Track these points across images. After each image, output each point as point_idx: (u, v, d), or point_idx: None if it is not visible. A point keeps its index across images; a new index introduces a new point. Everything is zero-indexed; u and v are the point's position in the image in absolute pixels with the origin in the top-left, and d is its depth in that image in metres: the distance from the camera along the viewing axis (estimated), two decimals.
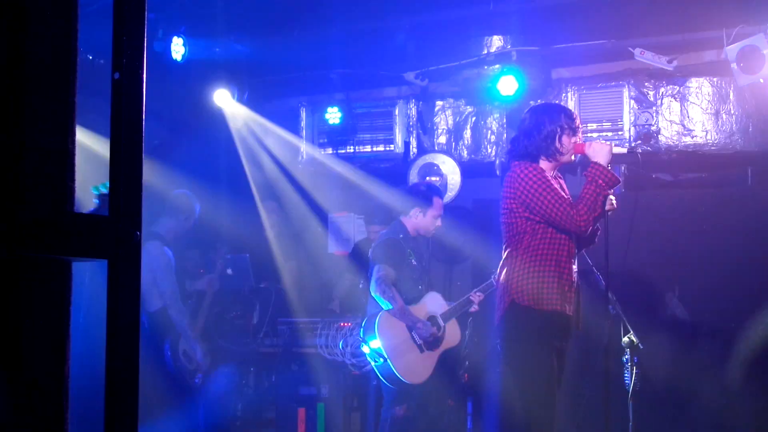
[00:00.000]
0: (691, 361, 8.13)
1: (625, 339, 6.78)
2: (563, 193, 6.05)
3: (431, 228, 8.21)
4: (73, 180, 2.07)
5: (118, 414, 1.97)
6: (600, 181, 5.91)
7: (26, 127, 2.00)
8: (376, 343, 7.73)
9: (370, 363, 7.92)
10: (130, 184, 2.00)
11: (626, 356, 6.70)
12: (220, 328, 9.88)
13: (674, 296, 8.49)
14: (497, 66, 10.04)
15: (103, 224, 1.97)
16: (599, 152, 5.98)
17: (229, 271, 9.79)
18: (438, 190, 8.44)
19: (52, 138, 2.04)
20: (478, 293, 8.10)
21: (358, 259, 9.51)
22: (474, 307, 8.10)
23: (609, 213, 6.06)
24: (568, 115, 6.23)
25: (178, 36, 9.52)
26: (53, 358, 2.00)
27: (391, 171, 10.84)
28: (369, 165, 10.98)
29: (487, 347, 8.71)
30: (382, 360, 7.71)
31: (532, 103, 9.84)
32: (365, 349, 7.85)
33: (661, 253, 8.48)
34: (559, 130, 6.08)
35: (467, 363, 8.87)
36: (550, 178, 6.04)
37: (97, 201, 5.05)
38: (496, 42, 10.17)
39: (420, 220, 8.13)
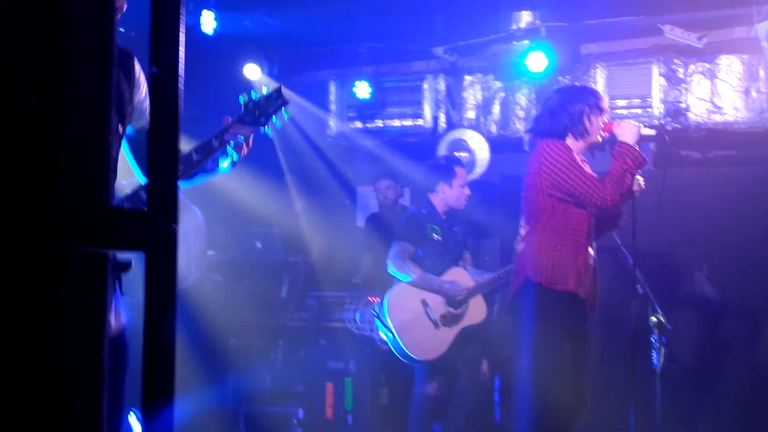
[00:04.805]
0: (719, 341, 8.13)
1: (653, 319, 6.80)
2: (588, 170, 6.04)
3: (462, 198, 8.22)
4: (110, 170, 2.10)
5: (155, 413, 2.00)
6: (627, 159, 5.89)
7: (64, 116, 2.02)
8: (385, 318, 7.79)
9: (383, 337, 7.98)
10: (168, 177, 2.03)
11: (654, 336, 6.71)
12: (248, 301, 9.93)
13: (702, 275, 8.48)
14: (526, 41, 10.01)
15: (141, 218, 2.00)
16: (627, 132, 5.97)
17: (258, 244, 9.83)
18: (457, 159, 8.50)
19: (90, 128, 2.06)
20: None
21: (378, 231, 9.53)
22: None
23: (637, 194, 6.06)
24: (595, 95, 6.22)
25: (209, 9, 9.53)
26: (91, 350, 2.04)
27: (420, 146, 10.84)
28: (397, 139, 10.98)
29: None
30: (391, 335, 7.77)
31: (560, 78, 9.86)
32: (379, 324, 7.91)
33: (689, 231, 8.47)
34: (587, 109, 6.06)
35: (495, 339, 8.90)
36: (576, 156, 6.04)
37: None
38: (525, 17, 10.13)
39: (448, 193, 8.16)
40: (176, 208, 2.05)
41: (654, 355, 6.74)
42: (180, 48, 2.10)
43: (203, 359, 8.53)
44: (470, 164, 10.02)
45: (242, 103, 4.91)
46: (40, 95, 2.00)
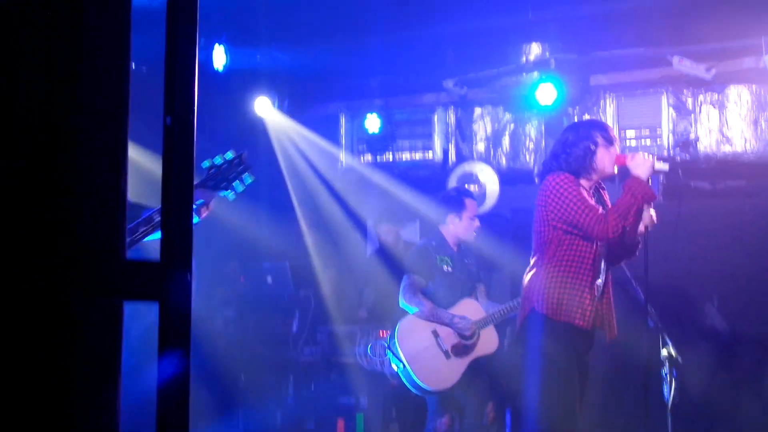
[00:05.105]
0: (730, 374, 8.09)
1: (664, 352, 6.77)
2: (593, 202, 6.02)
3: (471, 229, 8.22)
4: (125, 219, 2.11)
5: None
6: (637, 195, 5.86)
7: (80, 168, 2.04)
8: (396, 348, 7.79)
9: (394, 369, 7.97)
10: (181, 228, 2.04)
11: (665, 369, 6.68)
12: (259, 336, 9.93)
13: (713, 307, 8.46)
14: (536, 73, 10.04)
15: (155, 268, 2.01)
16: (641, 166, 5.93)
17: (268, 279, 9.83)
18: (468, 192, 8.49)
19: (105, 178, 2.08)
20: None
21: (381, 265, 9.57)
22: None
23: (650, 227, 6.05)
24: (604, 128, 6.20)
25: (220, 44, 9.58)
26: (106, 397, 2.05)
27: (430, 178, 10.84)
28: (408, 173, 10.98)
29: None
30: (402, 365, 7.76)
31: (570, 110, 9.88)
32: (390, 355, 7.90)
33: (699, 262, 8.45)
34: (592, 146, 6.05)
35: (505, 370, 8.87)
36: (582, 189, 6.02)
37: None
38: (535, 49, 10.16)
39: (457, 224, 8.17)
40: (189, 258, 2.07)
41: (665, 388, 6.72)
42: (194, 97, 2.11)
43: (214, 395, 8.53)
44: (480, 197, 10.02)
45: (205, 168, 5.00)
46: (57, 147, 2.02)
